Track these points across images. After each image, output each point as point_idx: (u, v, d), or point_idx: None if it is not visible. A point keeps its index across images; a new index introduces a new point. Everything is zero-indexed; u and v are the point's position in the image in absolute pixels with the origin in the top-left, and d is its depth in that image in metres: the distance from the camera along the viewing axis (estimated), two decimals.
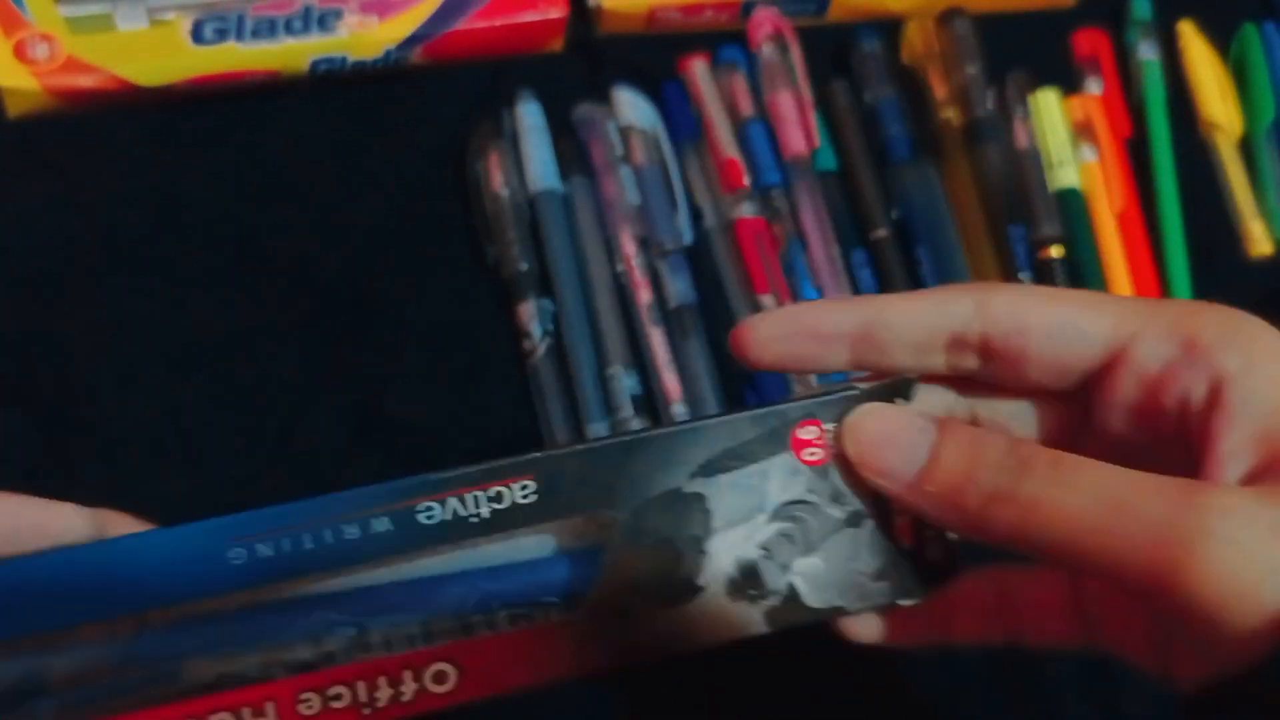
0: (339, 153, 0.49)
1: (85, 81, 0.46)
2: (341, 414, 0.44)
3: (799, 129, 0.50)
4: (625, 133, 0.49)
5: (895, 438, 0.28)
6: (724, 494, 0.28)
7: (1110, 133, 0.52)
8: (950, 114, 0.51)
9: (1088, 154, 0.52)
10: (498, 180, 0.48)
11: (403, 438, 0.45)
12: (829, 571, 0.28)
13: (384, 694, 0.26)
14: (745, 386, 0.46)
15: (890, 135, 0.51)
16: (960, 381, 0.30)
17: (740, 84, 0.51)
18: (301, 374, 0.46)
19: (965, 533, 0.27)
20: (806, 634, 0.29)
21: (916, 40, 0.53)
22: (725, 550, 0.28)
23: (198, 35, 0.47)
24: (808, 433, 0.28)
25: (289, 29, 0.48)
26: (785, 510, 0.28)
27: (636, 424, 0.45)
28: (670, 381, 0.46)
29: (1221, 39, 0.55)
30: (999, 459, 0.26)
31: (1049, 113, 0.52)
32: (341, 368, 0.46)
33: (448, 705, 0.27)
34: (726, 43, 0.52)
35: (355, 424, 0.45)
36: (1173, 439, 0.27)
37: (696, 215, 0.49)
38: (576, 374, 0.46)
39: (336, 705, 0.26)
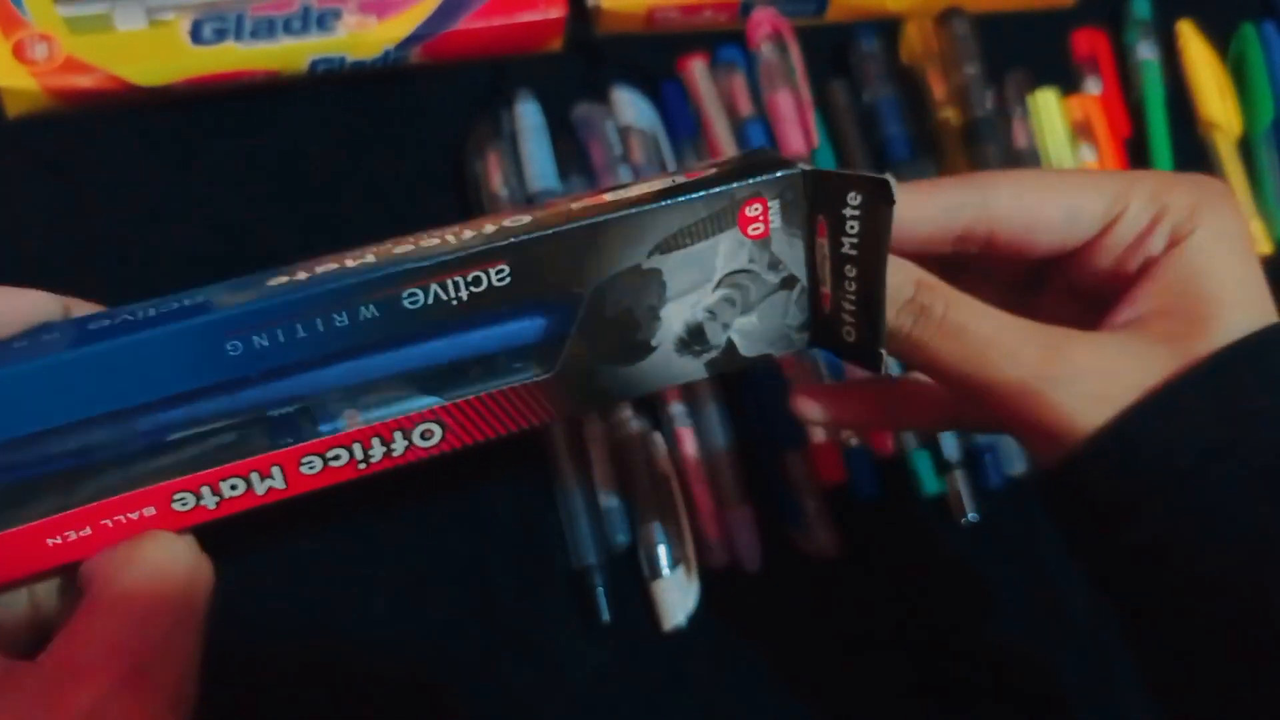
0: (338, 153, 0.49)
1: (84, 81, 0.46)
2: None
3: (798, 129, 0.50)
4: (624, 133, 0.49)
5: None
6: (678, 268, 0.31)
7: (1109, 132, 0.52)
8: (949, 114, 0.51)
9: (1087, 154, 0.52)
10: (497, 180, 0.48)
11: None
12: (761, 327, 0.33)
13: (377, 451, 0.30)
14: (744, 386, 0.46)
15: (889, 135, 0.51)
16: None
17: (739, 84, 0.51)
18: None
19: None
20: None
21: (915, 40, 0.53)
22: (676, 315, 0.32)
23: (197, 35, 0.47)
24: (753, 210, 0.31)
25: (288, 29, 0.48)
26: (729, 279, 0.32)
27: (636, 424, 0.45)
28: None
29: (1220, 39, 0.55)
30: (904, 300, 0.32)
31: (1048, 112, 0.52)
32: None
33: (435, 455, 0.31)
34: (725, 43, 0.52)
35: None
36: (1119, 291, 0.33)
37: None
38: None
39: (335, 464, 0.30)
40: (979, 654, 0.45)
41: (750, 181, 0.31)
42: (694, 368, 0.33)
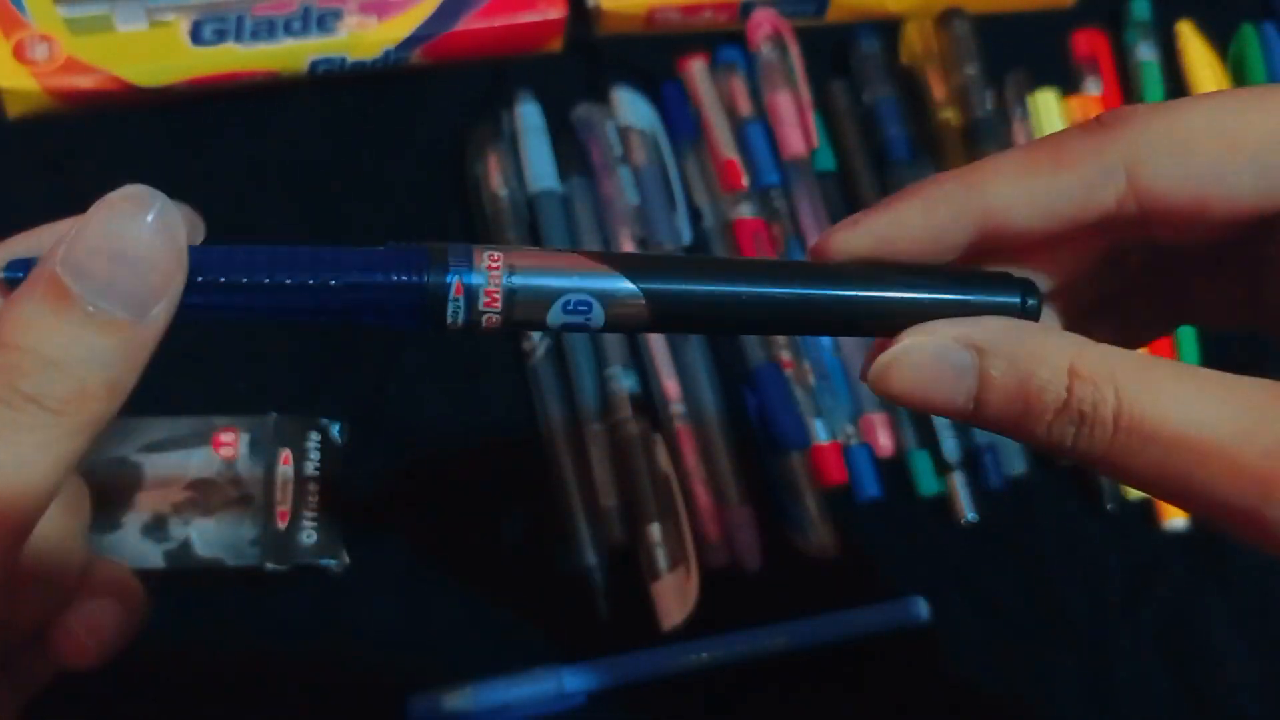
0: (338, 153, 0.49)
1: (85, 82, 0.47)
2: (341, 413, 0.44)
3: (798, 129, 0.50)
4: (624, 133, 0.49)
5: (935, 375, 0.25)
6: (156, 464, 0.41)
7: None
8: (949, 114, 0.51)
9: None
10: (497, 180, 0.48)
11: (403, 437, 0.45)
12: (218, 532, 0.41)
13: None
14: (744, 386, 0.46)
15: (889, 136, 0.51)
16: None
17: (739, 84, 0.51)
18: (301, 374, 0.46)
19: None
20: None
21: (915, 41, 0.53)
22: (147, 503, 0.41)
23: (197, 36, 0.47)
24: (226, 436, 0.42)
25: (288, 30, 0.48)
26: (196, 483, 0.41)
27: (634, 425, 0.45)
28: (669, 382, 0.46)
29: (1220, 39, 0.55)
30: (1055, 404, 0.23)
31: (1048, 113, 0.52)
32: (341, 367, 0.46)
33: None
34: (725, 43, 0.52)
35: (355, 423, 0.45)
36: None
37: (695, 216, 0.49)
38: (576, 374, 0.46)
39: None
40: (979, 654, 0.45)
41: (226, 417, 0.42)
42: (154, 553, 0.40)
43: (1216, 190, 0.24)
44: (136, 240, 0.22)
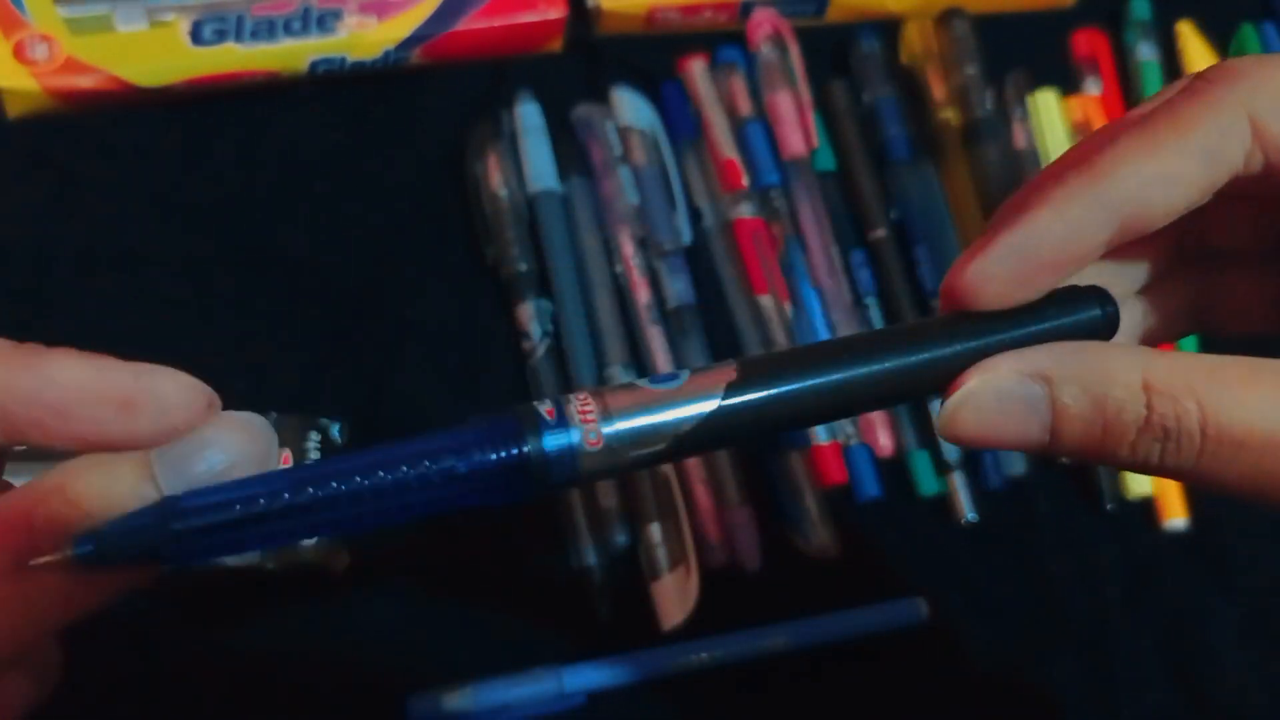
0: (338, 153, 0.49)
1: (85, 82, 0.47)
2: (341, 413, 0.44)
3: (798, 129, 0.50)
4: (624, 133, 0.49)
5: (1004, 413, 0.24)
6: None
7: None
8: (949, 114, 0.51)
9: None
10: (496, 180, 0.48)
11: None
12: None
13: None
14: None
15: (889, 135, 0.51)
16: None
17: (739, 84, 0.51)
18: (301, 374, 0.46)
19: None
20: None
21: (915, 41, 0.53)
22: None
23: (197, 36, 0.47)
24: None
25: (288, 30, 0.48)
26: None
27: None
28: None
29: (1220, 39, 0.55)
30: (1136, 423, 0.23)
31: (1048, 113, 0.52)
32: (341, 367, 0.46)
33: None
34: (725, 43, 0.52)
35: (354, 424, 0.44)
36: None
37: (695, 215, 0.49)
38: (575, 374, 0.46)
39: None
40: (979, 654, 0.45)
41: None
42: None
43: None
44: (242, 456, 0.23)
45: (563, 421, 0.23)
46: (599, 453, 0.23)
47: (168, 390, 0.23)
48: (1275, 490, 0.22)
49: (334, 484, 0.22)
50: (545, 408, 0.23)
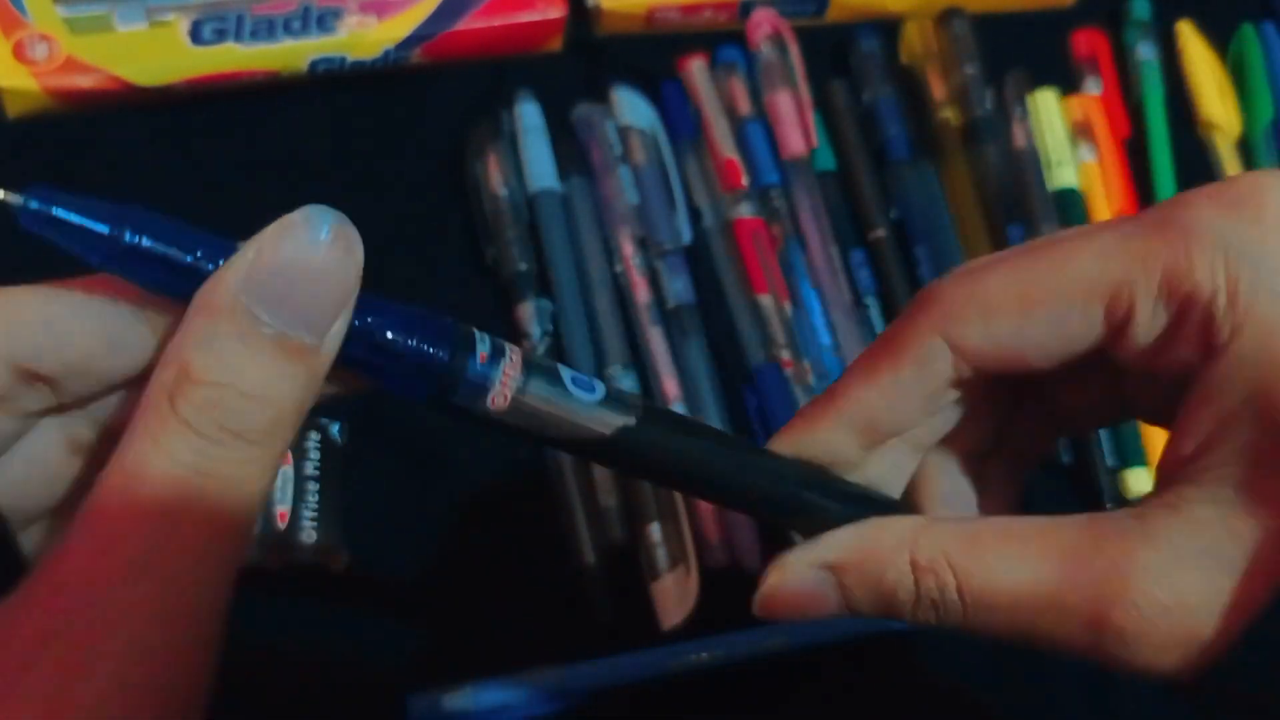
0: (338, 153, 0.49)
1: (84, 82, 0.47)
2: (341, 413, 0.44)
3: (797, 129, 0.50)
4: (624, 133, 0.49)
5: (805, 600, 0.28)
6: None
7: (1109, 133, 0.52)
8: (949, 114, 0.51)
9: (1086, 154, 0.52)
10: (496, 180, 0.48)
11: (403, 437, 0.45)
12: None
13: None
14: (744, 387, 0.46)
15: (889, 135, 0.51)
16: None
17: (739, 84, 0.51)
18: None
19: None
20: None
21: (915, 40, 0.53)
22: None
23: (196, 36, 0.47)
24: None
25: (288, 29, 0.48)
26: None
27: None
28: (669, 381, 0.46)
29: (1220, 39, 0.55)
30: (908, 597, 0.26)
31: (1047, 113, 0.52)
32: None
33: None
34: (725, 43, 0.52)
35: (354, 423, 0.45)
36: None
37: (695, 215, 0.49)
38: None
39: None
40: (978, 654, 0.45)
41: None
42: None
43: (1023, 346, 0.26)
44: (314, 259, 0.23)
45: (490, 366, 0.24)
46: (502, 409, 0.25)
47: None
48: (1037, 641, 0.25)
49: None
50: (481, 350, 0.24)
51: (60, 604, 0.21)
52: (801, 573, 0.27)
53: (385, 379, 0.24)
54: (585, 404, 0.25)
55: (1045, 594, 0.25)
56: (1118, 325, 0.25)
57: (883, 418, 0.27)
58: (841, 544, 0.27)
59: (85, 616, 0.21)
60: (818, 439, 0.28)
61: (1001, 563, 0.25)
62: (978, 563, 0.25)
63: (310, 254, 0.23)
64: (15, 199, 0.22)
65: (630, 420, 0.26)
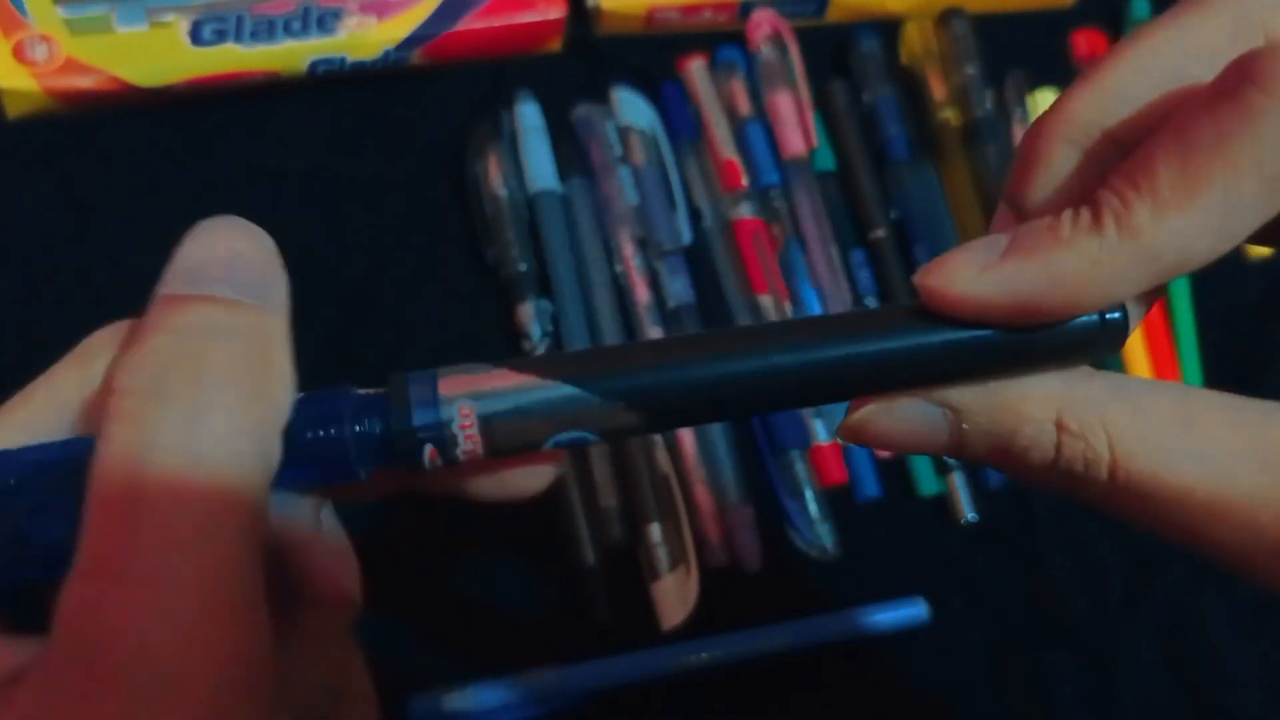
0: (338, 153, 0.49)
1: (84, 82, 0.47)
2: None
3: (797, 129, 0.50)
4: (624, 133, 0.49)
5: (912, 425, 0.23)
6: None
7: None
8: (949, 114, 0.51)
9: None
10: (496, 181, 0.48)
11: None
12: None
13: None
14: None
15: (889, 135, 0.51)
16: None
17: (739, 84, 0.51)
18: (300, 373, 0.46)
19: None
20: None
21: (915, 41, 0.53)
22: None
23: (196, 36, 0.47)
24: None
25: (288, 30, 0.48)
26: None
27: None
28: None
29: None
30: (1044, 461, 0.22)
31: None
32: (340, 368, 0.46)
33: None
34: (725, 43, 0.52)
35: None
36: None
37: (695, 216, 0.49)
38: None
39: None
40: (979, 654, 0.45)
41: None
42: None
43: None
44: (236, 243, 0.24)
45: (433, 404, 0.22)
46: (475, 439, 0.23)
47: None
48: (1199, 546, 0.21)
49: None
50: (428, 449, 0.22)
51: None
52: (914, 405, 0.22)
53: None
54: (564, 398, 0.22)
55: (1230, 502, 0.20)
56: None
57: (1200, 251, 0.20)
58: (975, 390, 0.22)
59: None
60: (1097, 273, 0.21)
61: (1176, 449, 0.21)
62: (1143, 443, 0.21)
63: (228, 240, 0.25)
64: None
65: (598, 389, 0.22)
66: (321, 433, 0.22)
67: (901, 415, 0.23)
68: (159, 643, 0.19)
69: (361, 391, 0.23)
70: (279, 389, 0.22)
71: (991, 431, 0.22)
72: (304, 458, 0.22)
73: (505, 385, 0.22)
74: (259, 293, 0.23)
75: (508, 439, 0.23)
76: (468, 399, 0.22)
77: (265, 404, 0.21)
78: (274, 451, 0.21)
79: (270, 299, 0.23)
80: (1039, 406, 0.22)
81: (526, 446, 0.23)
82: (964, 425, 0.22)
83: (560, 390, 0.22)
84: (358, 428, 0.22)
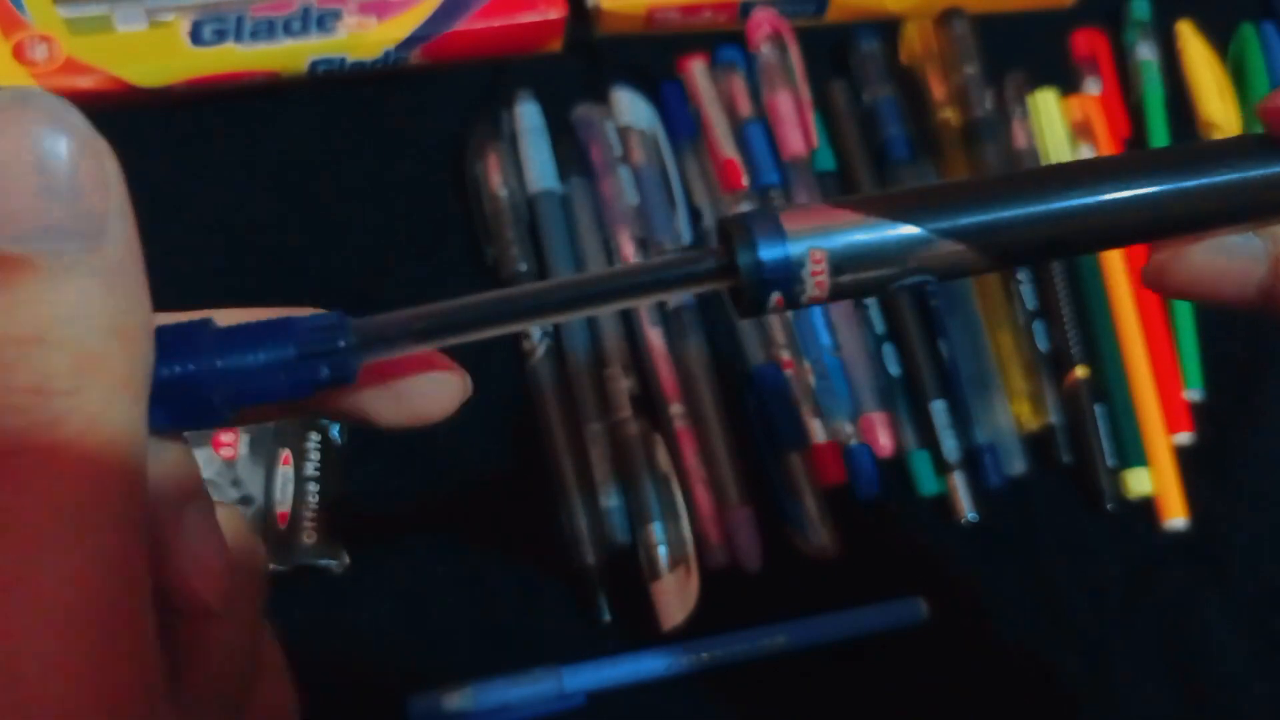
0: (338, 153, 0.49)
1: (84, 82, 0.47)
2: None
3: (797, 129, 0.50)
4: (624, 133, 0.49)
5: (1221, 263, 0.22)
6: None
7: (1109, 133, 0.52)
8: (949, 114, 0.51)
9: (1086, 154, 0.52)
10: (497, 181, 0.48)
11: (403, 437, 0.45)
12: None
13: None
14: (744, 387, 0.46)
15: (889, 136, 0.51)
16: None
17: (739, 84, 0.51)
18: None
19: None
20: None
21: (915, 41, 0.53)
22: None
23: (196, 36, 0.47)
24: (226, 437, 0.42)
25: (288, 30, 0.48)
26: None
27: (636, 424, 0.45)
28: (669, 381, 0.46)
29: (1220, 39, 0.55)
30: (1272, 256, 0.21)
31: (1047, 113, 0.52)
32: None
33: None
34: (725, 43, 0.52)
35: (353, 425, 0.44)
36: None
37: (695, 216, 0.49)
38: (575, 374, 0.46)
39: None
40: (979, 654, 0.45)
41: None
42: None
43: None
44: (59, 167, 0.17)
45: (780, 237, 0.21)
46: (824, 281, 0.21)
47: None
48: None
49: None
50: (775, 296, 0.21)
51: None
52: (1232, 238, 0.22)
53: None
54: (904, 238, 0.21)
55: None
56: None
57: None
58: None
59: None
60: None
61: None
62: None
63: (48, 164, 0.17)
64: None
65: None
66: (189, 367, 0.20)
67: (1219, 247, 0.22)
68: (15, 672, 0.16)
69: (218, 321, 0.21)
70: (134, 358, 0.18)
71: None
72: (167, 396, 0.19)
73: (851, 223, 0.21)
74: (93, 233, 0.18)
75: (853, 282, 0.21)
76: (817, 238, 0.21)
77: (121, 400, 0.18)
78: (144, 405, 0.18)
79: (105, 234, 0.18)
80: None
81: (869, 290, 0.22)
82: None
83: (906, 231, 0.21)
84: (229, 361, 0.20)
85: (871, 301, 0.48)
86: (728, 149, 0.49)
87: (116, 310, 0.18)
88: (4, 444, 0.16)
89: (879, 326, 0.48)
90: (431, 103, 0.50)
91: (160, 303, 0.23)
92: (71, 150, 0.17)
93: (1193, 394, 0.48)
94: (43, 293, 0.17)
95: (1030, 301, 0.48)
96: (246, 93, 0.49)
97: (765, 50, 0.51)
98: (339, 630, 0.42)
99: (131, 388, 0.18)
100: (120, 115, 0.48)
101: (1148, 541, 0.47)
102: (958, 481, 0.46)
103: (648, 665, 0.42)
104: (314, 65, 0.48)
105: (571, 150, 0.49)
